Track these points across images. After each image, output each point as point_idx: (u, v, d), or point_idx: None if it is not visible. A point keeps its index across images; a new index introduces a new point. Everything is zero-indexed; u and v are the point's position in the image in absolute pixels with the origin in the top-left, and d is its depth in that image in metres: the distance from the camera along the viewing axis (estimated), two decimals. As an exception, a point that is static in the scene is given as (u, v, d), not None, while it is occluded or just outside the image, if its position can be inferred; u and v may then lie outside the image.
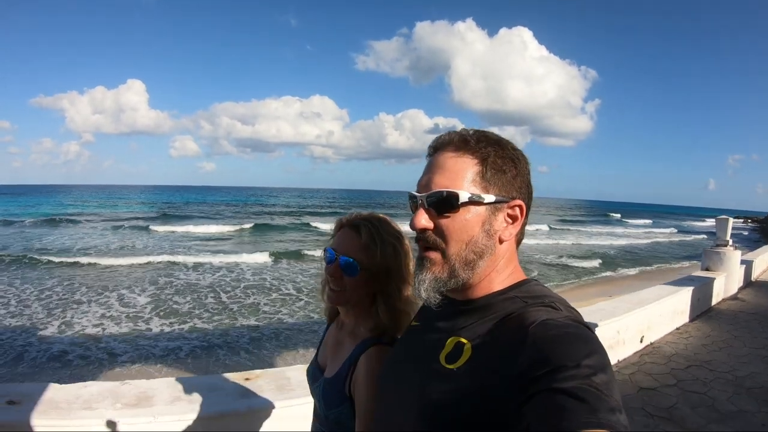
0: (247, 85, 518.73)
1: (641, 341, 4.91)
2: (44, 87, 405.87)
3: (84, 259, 14.25)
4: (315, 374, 1.15)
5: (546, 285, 0.79)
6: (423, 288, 0.75)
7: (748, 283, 8.86)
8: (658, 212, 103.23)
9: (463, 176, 0.74)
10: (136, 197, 68.93)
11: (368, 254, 1.04)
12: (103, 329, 7.95)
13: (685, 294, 6.02)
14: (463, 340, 0.72)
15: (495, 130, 0.80)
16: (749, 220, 48.12)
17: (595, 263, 17.39)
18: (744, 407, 3.59)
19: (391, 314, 1.04)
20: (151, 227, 25.19)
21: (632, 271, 16.25)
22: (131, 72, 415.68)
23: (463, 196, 0.72)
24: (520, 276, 0.79)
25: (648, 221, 57.83)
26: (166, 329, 8.14)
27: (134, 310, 9.21)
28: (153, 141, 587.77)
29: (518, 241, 0.80)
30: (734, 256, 7.84)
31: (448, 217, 0.73)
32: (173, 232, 24.27)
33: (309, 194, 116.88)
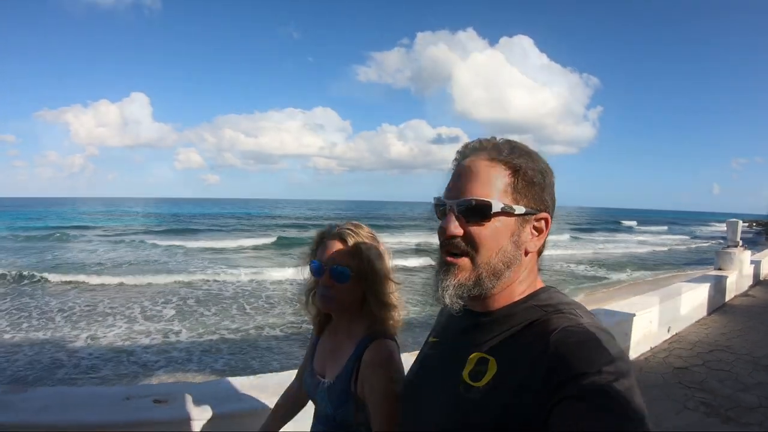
0: (249, 98, 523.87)
1: (668, 331, 5.60)
2: (48, 100, 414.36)
3: (111, 279, 13.88)
4: (315, 383, 1.18)
5: (564, 292, 0.80)
6: (447, 294, 0.75)
7: (757, 281, 9.51)
8: (665, 218, 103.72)
9: (495, 186, 0.74)
10: (149, 210, 69.70)
11: (356, 260, 1.10)
12: (134, 341, 8.10)
13: (703, 290, 6.70)
14: (487, 356, 0.72)
15: (498, 137, 0.81)
16: (754, 224, 48.50)
17: (624, 274, 17.27)
18: (763, 380, 4.27)
19: (381, 310, 1.11)
20: (180, 243, 24.97)
21: (664, 275, 16.68)
22: (135, 85, 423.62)
23: (496, 206, 0.73)
24: (538, 285, 0.79)
25: (662, 227, 58.82)
26: (197, 340, 8.30)
27: (167, 325, 9.25)
28: (157, 154, 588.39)
29: (540, 252, 0.80)
30: (744, 256, 8.54)
31: (479, 225, 0.74)
32: (207, 248, 23.79)
33: (316, 206, 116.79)
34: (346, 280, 1.09)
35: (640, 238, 39.10)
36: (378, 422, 0.99)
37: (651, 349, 5.17)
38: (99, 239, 27.15)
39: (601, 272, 17.49)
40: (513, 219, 0.74)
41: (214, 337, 8.58)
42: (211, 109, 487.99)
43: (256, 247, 25.10)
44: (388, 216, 69.57)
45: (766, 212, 47.76)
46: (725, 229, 9.19)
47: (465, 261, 0.74)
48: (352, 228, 1.14)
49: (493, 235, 0.73)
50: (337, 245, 1.12)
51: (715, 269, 8.47)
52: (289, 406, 1.38)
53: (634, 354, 4.90)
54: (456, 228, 0.74)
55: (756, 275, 9.45)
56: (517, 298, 0.76)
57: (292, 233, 32.27)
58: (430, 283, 0.79)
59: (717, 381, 4.26)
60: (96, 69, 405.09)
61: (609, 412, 0.54)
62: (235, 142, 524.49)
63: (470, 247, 0.74)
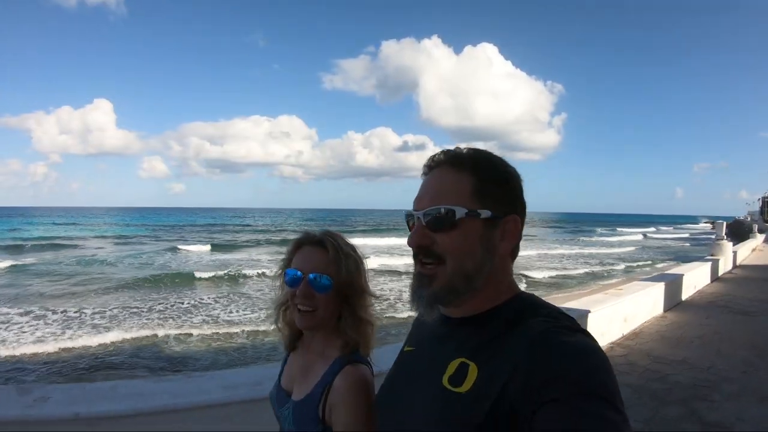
0: (214, 105, 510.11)
1: (694, 288, 9.01)
2: (9, 107, 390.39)
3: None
4: (281, 398, 1.11)
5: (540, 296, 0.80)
6: (422, 304, 0.76)
7: (735, 265, 13.28)
8: (632, 222, 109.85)
9: (459, 192, 0.75)
10: (132, 219, 70.01)
11: (336, 268, 1.03)
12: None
13: (706, 268, 10.19)
14: (467, 361, 0.71)
15: (463, 146, 0.81)
16: (712, 224, 54.46)
17: (622, 267, 20.26)
18: (752, 309, 7.66)
19: (356, 326, 1.05)
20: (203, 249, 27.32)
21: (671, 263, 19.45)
22: (97, 91, 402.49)
23: (460, 212, 0.73)
24: (514, 290, 0.79)
25: (641, 229, 64.03)
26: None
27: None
28: (121, 162, 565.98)
29: (513, 256, 0.80)
30: (728, 246, 12.25)
31: (446, 233, 0.74)
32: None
33: (288, 214, 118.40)
34: (327, 290, 1.02)
35: (622, 239, 43.79)
36: None
37: (697, 289, 8.60)
38: (132, 247, 28.90)
39: (621, 265, 20.81)
40: (480, 223, 0.74)
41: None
42: (176, 116, 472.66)
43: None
44: (360, 222, 71.56)
45: (743, 214, 53.25)
46: (697, 227, 12.99)
47: (435, 270, 0.75)
48: (332, 235, 1.08)
49: (461, 241, 0.74)
50: (317, 252, 1.05)
51: (709, 255, 12.08)
52: None
53: (684, 296, 8.17)
54: (423, 238, 0.75)
55: (734, 260, 13.19)
56: (494, 303, 0.76)
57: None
58: (409, 294, 0.79)
59: (729, 313, 7.63)
60: (58, 74, 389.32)
61: (590, 414, 0.55)
62: (201, 150, 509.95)
63: (440, 255, 0.74)
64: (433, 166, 0.80)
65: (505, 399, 0.62)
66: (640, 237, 48.33)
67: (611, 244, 35.55)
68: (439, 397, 0.71)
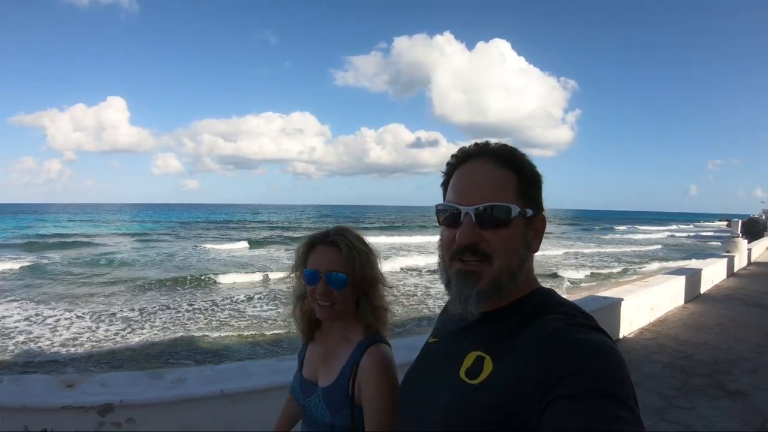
0: (227, 102, 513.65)
1: (711, 282, 9.62)
2: (24, 105, 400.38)
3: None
4: (305, 389, 1.17)
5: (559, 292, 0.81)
6: (471, 302, 0.74)
7: (750, 262, 13.81)
8: (646, 219, 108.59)
9: (507, 189, 0.74)
10: (156, 216, 69.79)
11: (350, 265, 1.10)
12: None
13: (723, 264, 10.77)
14: (483, 354, 0.72)
15: (493, 140, 0.80)
16: (728, 223, 54.27)
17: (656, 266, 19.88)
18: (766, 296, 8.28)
19: (375, 314, 1.13)
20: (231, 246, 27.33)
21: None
22: (111, 89, 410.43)
23: (515, 211, 0.73)
24: (534, 284, 0.80)
25: (662, 227, 63.62)
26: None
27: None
28: (135, 159, 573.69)
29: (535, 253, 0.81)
30: (743, 243, 12.79)
31: (498, 230, 0.73)
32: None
33: (304, 211, 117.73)
34: (343, 287, 1.09)
35: (647, 236, 43.84)
36: (374, 424, 1.01)
37: (714, 283, 9.26)
38: (160, 245, 28.96)
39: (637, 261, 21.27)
40: (523, 221, 0.75)
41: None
42: (188, 113, 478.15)
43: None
44: (370, 219, 70.63)
45: (757, 212, 52.95)
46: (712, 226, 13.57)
47: (484, 267, 0.74)
48: (343, 233, 1.14)
49: (510, 239, 0.74)
50: (331, 252, 1.11)
51: (723, 251, 12.63)
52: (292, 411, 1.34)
53: (703, 289, 8.79)
54: (474, 236, 0.73)
55: (749, 257, 13.73)
56: (515, 298, 0.76)
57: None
58: (450, 294, 0.78)
59: (744, 305, 8.25)
60: (72, 72, 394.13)
61: (603, 412, 0.55)
62: (214, 146, 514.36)
63: (489, 252, 0.73)
64: (468, 159, 0.78)
65: (518, 393, 0.63)
66: (664, 235, 47.72)
67: (637, 242, 35.61)
68: (455, 388, 0.72)
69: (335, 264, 1.10)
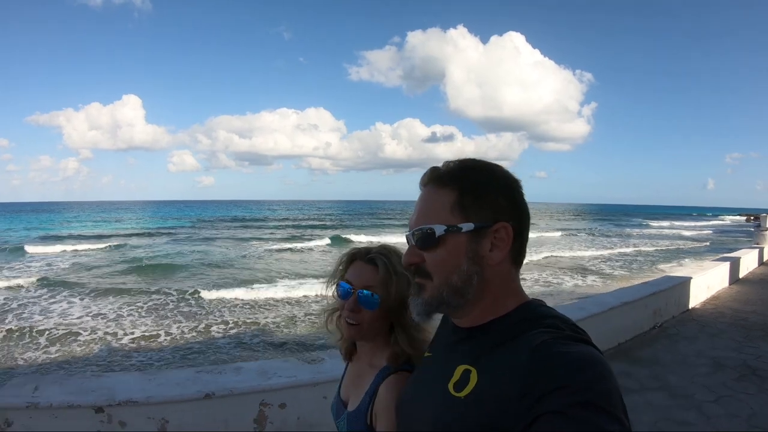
0: (241, 99, 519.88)
1: (747, 269, 11.30)
2: (40, 104, 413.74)
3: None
4: (339, 409, 1.17)
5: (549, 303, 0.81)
6: (416, 311, 0.81)
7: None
8: (666, 213, 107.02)
9: (440, 209, 0.77)
10: (193, 213, 70.63)
11: (386, 287, 1.07)
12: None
13: (754, 254, 12.44)
14: (470, 368, 0.74)
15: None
16: (751, 217, 54.67)
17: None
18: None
19: (407, 341, 1.08)
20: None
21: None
22: (126, 87, 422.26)
23: (439, 230, 0.76)
24: (523, 298, 0.80)
25: (693, 222, 62.72)
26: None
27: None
28: (151, 156, 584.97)
29: (517, 263, 0.80)
30: (771, 236, 14.43)
31: (431, 251, 0.77)
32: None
33: (317, 206, 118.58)
34: (374, 307, 1.07)
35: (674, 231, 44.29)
36: None
37: (749, 270, 10.97)
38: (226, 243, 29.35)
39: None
40: (464, 236, 0.75)
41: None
42: (203, 110, 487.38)
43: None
44: (387, 213, 70.43)
45: None
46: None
47: (425, 282, 0.79)
48: (386, 253, 1.11)
49: (445, 257, 0.76)
50: (369, 269, 1.09)
51: (753, 243, 14.27)
52: None
53: (741, 275, 10.44)
54: (413, 257, 0.79)
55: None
56: (500, 313, 0.77)
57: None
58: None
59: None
60: (86, 71, 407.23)
61: (589, 425, 0.54)
62: (229, 143, 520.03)
63: (429, 272, 0.78)
64: (423, 183, 0.82)
65: (503, 406, 0.63)
66: (709, 232, 45.57)
67: (680, 237, 35.88)
68: (443, 401, 0.74)
69: (370, 282, 1.08)
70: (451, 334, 0.84)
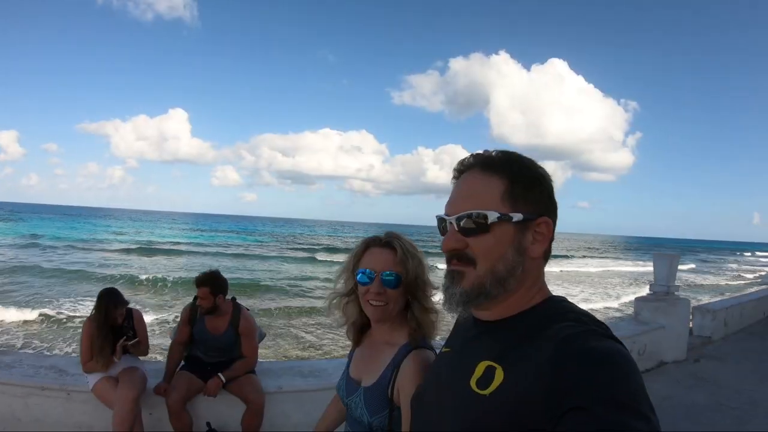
0: (285, 118, 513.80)
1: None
2: (90, 113, 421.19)
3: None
4: (350, 388, 1.22)
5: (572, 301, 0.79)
6: (454, 301, 0.77)
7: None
8: (712, 248, 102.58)
9: (491, 196, 0.75)
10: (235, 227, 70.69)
11: (405, 266, 1.16)
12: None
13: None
14: (494, 364, 0.72)
15: (492, 149, 0.80)
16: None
17: None
18: None
19: (422, 318, 1.16)
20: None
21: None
22: (173, 101, 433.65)
23: (492, 216, 0.74)
24: (546, 293, 0.79)
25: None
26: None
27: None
28: (195, 170, 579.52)
29: (546, 258, 0.80)
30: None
31: (479, 237, 0.75)
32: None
33: (356, 227, 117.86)
34: (397, 286, 1.14)
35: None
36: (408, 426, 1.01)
37: None
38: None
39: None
40: (512, 226, 0.75)
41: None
42: (247, 128, 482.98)
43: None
44: (424, 240, 68.50)
45: None
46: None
47: (469, 269, 0.76)
48: (397, 236, 1.20)
49: (492, 245, 0.74)
50: (387, 252, 1.17)
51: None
52: (336, 413, 1.41)
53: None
54: (457, 242, 0.76)
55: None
56: (525, 307, 0.77)
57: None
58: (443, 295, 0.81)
59: None
60: (135, 84, 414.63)
61: (614, 423, 0.53)
62: (272, 161, 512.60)
63: (473, 258, 0.75)
64: (463, 170, 0.81)
65: (529, 404, 0.62)
66: None
67: None
68: (465, 398, 0.72)
69: (390, 264, 1.15)
70: (472, 327, 0.83)
